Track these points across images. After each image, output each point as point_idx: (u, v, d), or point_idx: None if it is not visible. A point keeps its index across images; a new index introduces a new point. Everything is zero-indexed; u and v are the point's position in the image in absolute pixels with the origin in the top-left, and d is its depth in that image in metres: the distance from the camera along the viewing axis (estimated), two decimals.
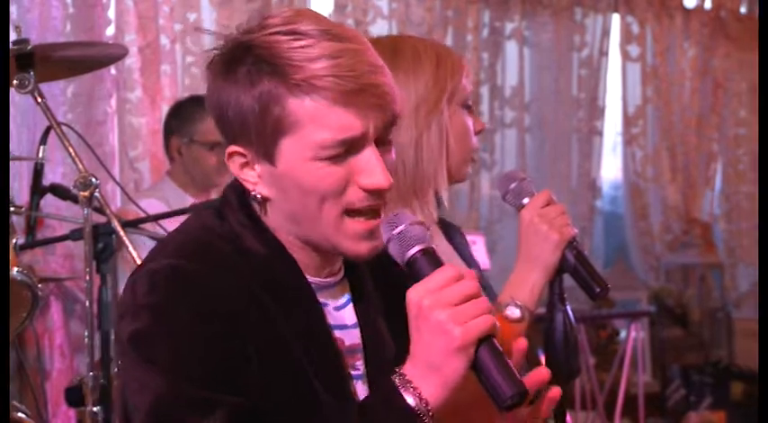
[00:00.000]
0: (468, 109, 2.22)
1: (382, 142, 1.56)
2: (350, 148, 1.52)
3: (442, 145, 2.17)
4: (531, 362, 2.13)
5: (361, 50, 1.53)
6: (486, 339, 1.44)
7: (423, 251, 1.51)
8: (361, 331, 1.68)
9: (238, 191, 1.62)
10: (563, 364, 2.09)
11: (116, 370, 2.79)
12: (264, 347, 1.53)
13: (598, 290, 2.09)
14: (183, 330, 1.50)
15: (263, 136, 1.53)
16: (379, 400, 1.49)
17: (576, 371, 2.14)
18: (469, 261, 2.35)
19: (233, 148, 1.58)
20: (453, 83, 2.18)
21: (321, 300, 1.63)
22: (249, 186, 1.59)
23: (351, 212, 1.55)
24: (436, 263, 1.50)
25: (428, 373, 1.45)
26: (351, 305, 1.69)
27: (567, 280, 2.13)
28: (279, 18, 1.55)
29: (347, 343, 1.65)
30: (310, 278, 1.63)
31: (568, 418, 2.17)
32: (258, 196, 1.58)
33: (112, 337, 2.87)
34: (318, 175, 1.52)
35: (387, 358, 1.64)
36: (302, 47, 1.50)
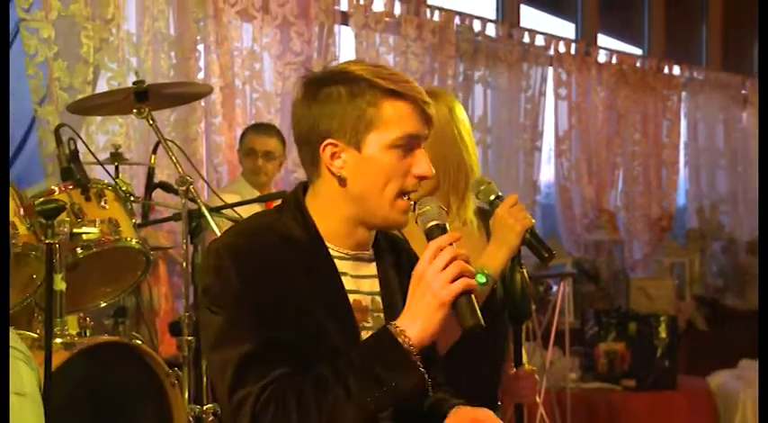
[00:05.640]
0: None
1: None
2: (411, 146, 1.52)
3: None
4: None
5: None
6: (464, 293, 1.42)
7: (437, 226, 1.50)
8: (382, 296, 1.61)
9: (297, 194, 1.59)
10: (520, 309, 2.05)
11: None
12: (292, 301, 1.49)
13: (546, 255, 2.05)
14: (233, 287, 1.47)
15: (357, 131, 1.50)
16: (373, 337, 1.47)
17: (529, 314, 2.10)
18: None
19: (328, 140, 1.52)
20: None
21: (347, 269, 1.57)
22: (335, 170, 1.52)
23: (402, 194, 1.54)
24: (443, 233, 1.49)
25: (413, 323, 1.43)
26: (374, 278, 1.62)
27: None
28: (359, 63, 1.55)
29: (363, 304, 1.58)
30: (345, 251, 1.57)
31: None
32: (340, 177, 1.53)
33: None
34: (392, 160, 1.51)
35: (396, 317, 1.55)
36: (389, 73, 1.52)
